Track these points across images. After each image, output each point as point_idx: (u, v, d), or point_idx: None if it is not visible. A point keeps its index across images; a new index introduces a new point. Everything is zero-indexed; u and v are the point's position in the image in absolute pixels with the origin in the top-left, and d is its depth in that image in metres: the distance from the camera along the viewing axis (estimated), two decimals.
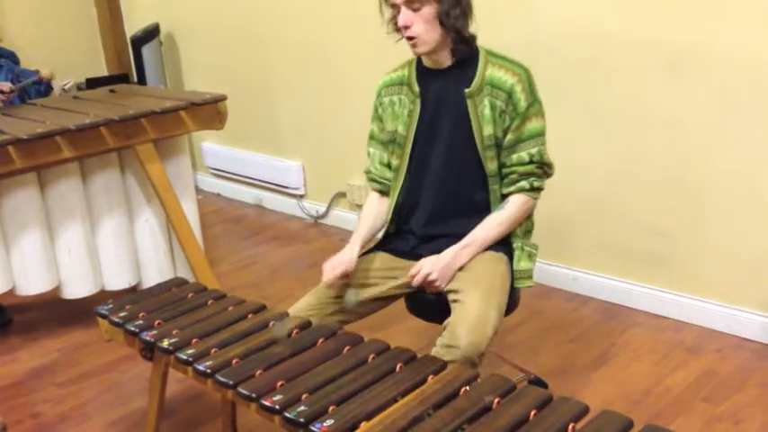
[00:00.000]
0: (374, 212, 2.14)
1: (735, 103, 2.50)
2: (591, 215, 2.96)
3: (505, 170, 1.98)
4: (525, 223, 2.06)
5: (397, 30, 1.94)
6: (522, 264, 2.02)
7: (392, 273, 2.04)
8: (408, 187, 2.07)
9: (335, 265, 1.98)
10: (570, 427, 1.39)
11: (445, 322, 1.85)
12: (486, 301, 1.85)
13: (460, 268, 1.95)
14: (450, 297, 1.92)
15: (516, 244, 2.03)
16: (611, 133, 2.82)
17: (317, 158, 3.96)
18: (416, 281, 1.91)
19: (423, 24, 1.86)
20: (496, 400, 1.49)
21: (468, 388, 1.55)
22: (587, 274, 3.04)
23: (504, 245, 2.02)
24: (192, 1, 4.29)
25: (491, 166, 1.97)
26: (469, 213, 2.01)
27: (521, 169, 1.97)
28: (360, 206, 3.73)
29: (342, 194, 3.87)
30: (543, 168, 1.99)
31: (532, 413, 1.44)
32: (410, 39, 1.90)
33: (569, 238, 3.03)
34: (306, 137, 3.97)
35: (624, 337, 2.74)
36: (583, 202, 2.95)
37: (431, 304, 2.02)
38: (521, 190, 1.98)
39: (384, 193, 2.15)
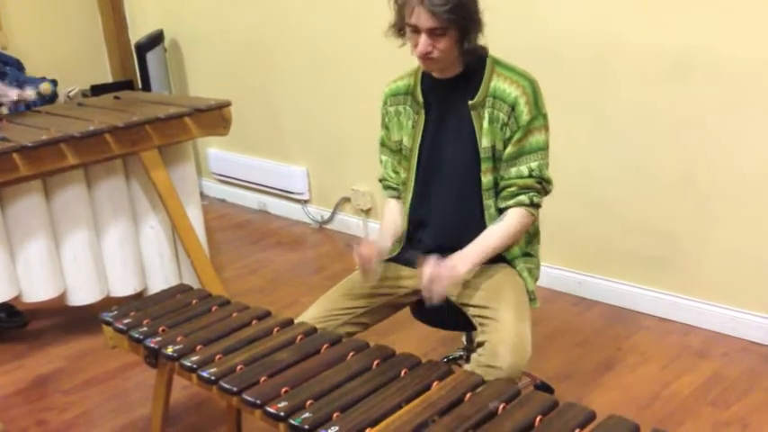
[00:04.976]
0: (398, 217, 2.09)
1: (740, 106, 2.50)
2: (596, 219, 2.95)
3: (503, 183, 1.92)
4: (520, 245, 2.00)
5: (400, 35, 1.90)
6: (528, 285, 1.99)
7: (401, 282, 2.03)
8: (418, 200, 2.04)
9: (366, 244, 1.93)
10: None
11: (480, 339, 1.82)
12: (520, 319, 1.83)
13: (481, 283, 1.92)
14: (477, 312, 1.89)
15: (519, 266, 1.99)
16: (617, 137, 2.81)
17: (322, 164, 3.96)
18: (425, 280, 1.78)
19: (443, 49, 1.82)
20: (501, 406, 1.49)
21: (472, 394, 1.54)
22: (593, 277, 3.03)
23: (509, 264, 1.99)
24: (196, 8, 4.30)
25: (484, 179, 1.93)
26: (479, 226, 1.96)
27: (520, 182, 1.90)
28: (364, 211, 3.73)
29: (347, 200, 3.87)
30: (542, 184, 1.92)
31: (538, 419, 1.44)
32: (427, 59, 1.85)
33: (575, 241, 3.02)
34: (310, 142, 3.97)
35: (630, 341, 2.73)
36: (588, 205, 2.94)
37: (436, 311, 2.01)
38: (520, 204, 1.90)
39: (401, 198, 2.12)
